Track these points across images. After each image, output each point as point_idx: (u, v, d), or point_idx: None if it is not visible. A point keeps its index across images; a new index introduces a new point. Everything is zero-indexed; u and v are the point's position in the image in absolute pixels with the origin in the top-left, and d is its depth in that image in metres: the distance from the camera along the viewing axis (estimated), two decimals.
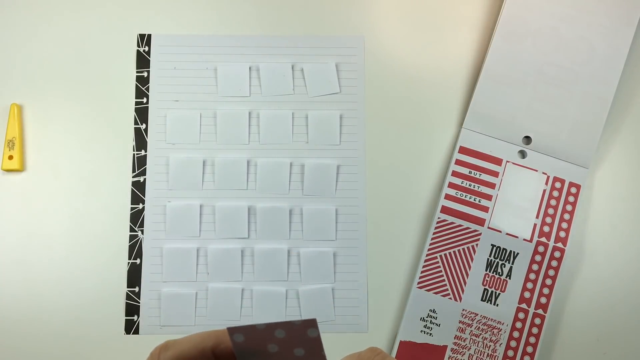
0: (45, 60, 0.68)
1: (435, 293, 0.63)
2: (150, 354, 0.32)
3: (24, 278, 0.64)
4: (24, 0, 0.69)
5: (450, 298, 0.63)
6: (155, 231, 0.65)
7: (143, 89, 0.67)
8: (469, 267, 0.63)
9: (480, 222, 0.64)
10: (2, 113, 0.67)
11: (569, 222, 0.64)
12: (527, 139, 0.65)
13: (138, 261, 0.65)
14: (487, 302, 0.63)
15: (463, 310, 0.63)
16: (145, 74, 0.67)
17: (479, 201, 0.64)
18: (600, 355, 0.64)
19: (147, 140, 0.66)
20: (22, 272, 0.64)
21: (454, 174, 0.65)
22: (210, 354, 0.33)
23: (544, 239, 0.63)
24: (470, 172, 0.65)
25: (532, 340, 0.62)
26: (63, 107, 0.67)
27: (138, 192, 0.66)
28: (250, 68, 0.68)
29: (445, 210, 0.64)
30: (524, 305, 0.63)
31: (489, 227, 0.64)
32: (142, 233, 0.65)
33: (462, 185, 0.65)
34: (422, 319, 0.63)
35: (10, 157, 0.65)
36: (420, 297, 0.63)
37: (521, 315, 0.62)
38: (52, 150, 0.66)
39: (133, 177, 0.66)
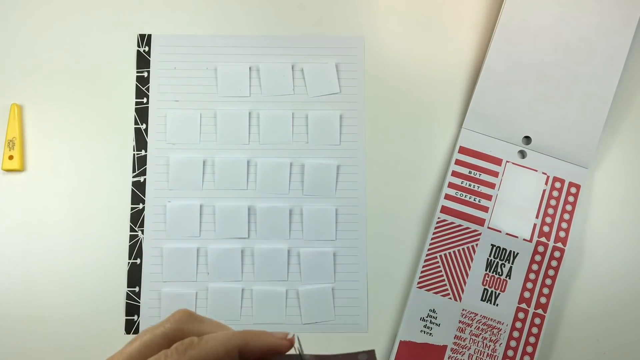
0: (45, 60, 0.68)
1: (435, 293, 0.63)
2: (174, 349, 0.31)
3: (24, 278, 0.64)
4: (25, 1, 0.69)
5: (450, 298, 0.63)
6: (155, 231, 0.65)
7: (143, 89, 0.67)
8: (469, 267, 0.63)
9: (480, 222, 0.64)
10: (2, 113, 0.67)
11: (569, 222, 0.64)
12: (527, 139, 0.65)
13: (138, 261, 0.65)
14: (487, 302, 0.63)
15: (463, 310, 0.63)
16: (146, 74, 0.67)
17: (479, 201, 0.64)
18: (600, 355, 0.64)
19: (147, 140, 0.67)
20: (22, 272, 0.64)
21: (454, 174, 0.65)
22: (236, 354, 0.32)
23: (543, 239, 0.64)
24: (470, 172, 0.65)
25: (532, 340, 0.62)
26: (63, 107, 0.67)
27: (138, 192, 0.66)
28: (250, 68, 0.68)
29: (445, 210, 0.64)
30: (523, 305, 0.63)
31: (488, 227, 0.64)
32: (142, 233, 0.65)
33: (462, 185, 0.65)
34: (422, 319, 0.63)
35: (10, 157, 0.65)
36: (420, 297, 0.63)
37: (521, 315, 0.63)
38: (52, 150, 0.66)
39: (133, 177, 0.66)
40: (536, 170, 0.65)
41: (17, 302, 0.64)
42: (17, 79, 0.67)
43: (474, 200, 0.64)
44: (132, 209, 0.65)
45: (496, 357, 0.62)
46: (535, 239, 0.64)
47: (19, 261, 0.65)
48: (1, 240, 0.65)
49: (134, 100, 0.67)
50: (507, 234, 0.64)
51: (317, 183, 0.66)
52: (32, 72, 0.67)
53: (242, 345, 0.32)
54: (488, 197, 0.64)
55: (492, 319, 0.63)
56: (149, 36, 0.68)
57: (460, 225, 0.64)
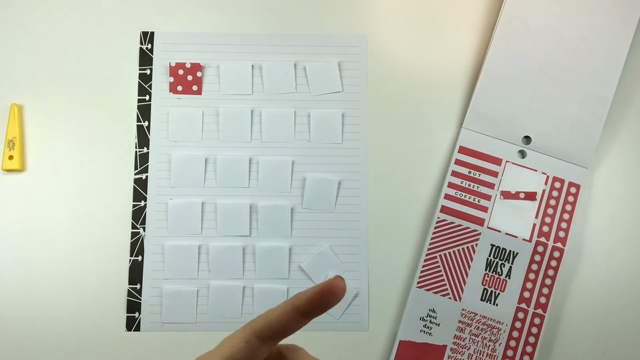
0: (46, 60, 0.68)
1: (435, 293, 0.63)
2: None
3: (25, 277, 0.64)
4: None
5: (450, 298, 0.63)
6: (157, 228, 0.65)
7: (145, 86, 0.67)
8: (469, 267, 0.63)
9: (480, 222, 0.64)
10: (2, 113, 0.67)
11: (569, 222, 0.64)
12: (527, 139, 0.66)
13: (140, 258, 0.65)
14: (487, 302, 0.63)
15: (463, 310, 0.63)
16: (148, 72, 0.68)
17: (479, 201, 0.64)
18: (600, 355, 0.64)
19: (150, 137, 0.67)
20: (23, 271, 0.64)
21: (454, 174, 0.65)
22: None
23: (543, 239, 0.64)
24: (469, 172, 0.65)
25: (531, 340, 0.62)
26: (64, 106, 0.67)
27: (140, 189, 0.66)
28: (252, 66, 0.68)
29: (445, 210, 0.64)
30: (523, 305, 0.63)
31: (488, 227, 0.64)
32: (144, 230, 0.65)
33: (462, 185, 0.65)
34: (422, 319, 0.63)
35: (10, 157, 0.65)
36: (420, 296, 0.63)
37: (521, 315, 0.63)
38: (52, 150, 0.66)
39: (135, 174, 0.66)
40: (536, 170, 0.65)
41: (18, 300, 0.64)
42: (17, 79, 0.67)
43: (474, 200, 0.64)
44: (134, 206, 0.65)
45: (496, 357, 0.62)
46: (534, 239, 0.64)
47: (19, 260, 0.64)
48: (1, 240, 0.65)
49: (136, 97, 0.67)
50: (506, 233, 0.64)
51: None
52: (32, 72, 0.67)
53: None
54: (487, 197, 0.64)
55: (491, 319, 0.63)
56: (152, 34, 0.68)
57: (460, 225, 0.64)
